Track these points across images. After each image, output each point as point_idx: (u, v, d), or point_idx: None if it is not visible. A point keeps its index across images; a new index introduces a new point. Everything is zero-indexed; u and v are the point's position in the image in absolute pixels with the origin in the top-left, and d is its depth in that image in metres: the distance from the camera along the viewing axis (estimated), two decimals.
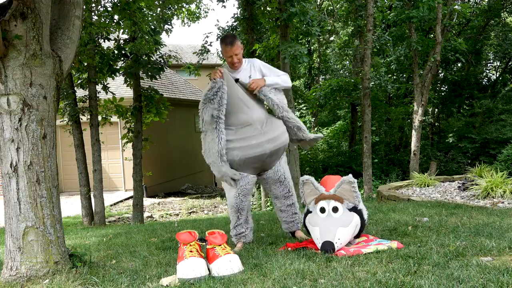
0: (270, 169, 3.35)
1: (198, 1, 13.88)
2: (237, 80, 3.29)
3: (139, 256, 3.19)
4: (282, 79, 3.37)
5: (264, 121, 3.25)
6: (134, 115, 9.30)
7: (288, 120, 3.35)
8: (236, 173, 3.19)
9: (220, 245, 2.64)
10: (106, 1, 8.30)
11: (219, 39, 3.32)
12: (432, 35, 14.38)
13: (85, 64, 8.50)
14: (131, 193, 11.07)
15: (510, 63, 20.13)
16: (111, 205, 11.83)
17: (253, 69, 3.33)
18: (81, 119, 9.02)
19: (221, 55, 14.87)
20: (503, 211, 4.11)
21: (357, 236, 3.07)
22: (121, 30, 8.53)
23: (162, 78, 13.43)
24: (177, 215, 11.24)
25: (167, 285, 2.36)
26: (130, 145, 9.60)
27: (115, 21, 8.12)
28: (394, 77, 16.93)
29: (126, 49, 9.02)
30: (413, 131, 12.44)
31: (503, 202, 4.84)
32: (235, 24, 12.59)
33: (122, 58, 9.19)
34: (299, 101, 19.21)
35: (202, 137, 3.29)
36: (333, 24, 18.87)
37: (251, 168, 3.26)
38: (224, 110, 3.14)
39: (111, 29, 8.41)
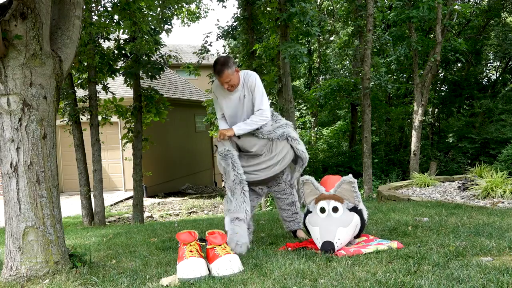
0: (275, 186, 3.47)
1: (198, 1, 13.88)
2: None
3: (139, 256, 3.18)
4: (253, 120, 3.26)
5: (270, 145, 3.31)
6: (134, 115, 9.30)
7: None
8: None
9: (220, 245, 2.64)
10: (106, 1, 8.31)
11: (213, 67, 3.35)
12: (432, 35, 14.38)
13: (85, 64, 8.50)
14: (131, 193, 11.08)
15: (510, 63, 20.13)
16: (111, 205, 11.83)
17: (246, 89, 3.29)
18: (81, 119, 9.02)
19: (221, 55, 14.88)
20: (503, 211, 4.11)
21: (357, 236, 3.07)
22: (121, 30, 8.53)
23: (162, 78, 13.44)
24: (177, 215, 11.24)
25: (167, 285, 2.36)
26: (130, 145, 9.60)
27: (115, 21, 8.11)
28: (394, 77, 16.93)
29: (126, 49, 9.02)
30: (413, 131, 12.44)
31: (503, 202, 4.84)
32: (235, 24, 12.58)
33: (122, 58, 9.19)
34: (299, 101, 19.20)
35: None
36: (333, 24, 18.88)
37: (259, 187, 3.39)
38: (239, 167, 3.20)
39: (111, 29, 8.40)
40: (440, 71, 18.39)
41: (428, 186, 6.63)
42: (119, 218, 10.34)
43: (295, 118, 13.66)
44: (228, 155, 3.16)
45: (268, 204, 12.11)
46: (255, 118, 3.26)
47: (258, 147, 3.28)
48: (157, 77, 9.31)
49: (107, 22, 8.05)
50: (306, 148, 3.50)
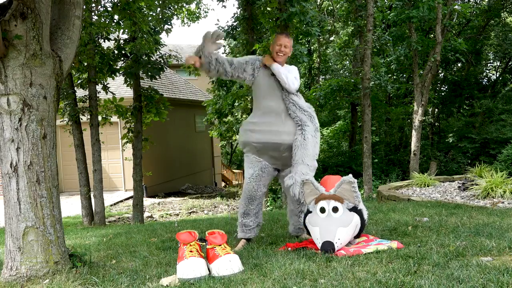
0: (288, 168, 3.36)
1: (198, 1, 13.89)
2: (272, 75, 3.36)
3: (139, 256, 3.18)
4: (289, 78, 3.32)
5: (289, 115, 3.30)
6: (134, 115, 9.30)
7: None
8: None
9: (220, 245, 2.64)
10: (106, 1, 8.31)
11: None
12: (432, 35, 14.38)
13: (85, 64, 8.50)
14: (131, 193, 11.08)
15: (510, 63, 20.13)
16: (111, 205, 11.83)
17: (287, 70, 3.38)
18: (81, 119, 9.01)
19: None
20: (503, 211, 4.11)
21: (357, 236, 3.07)
22: (121, 30, 8.53)
23: (162, 78, 13.44)
24: (177, 215, 11.24)
25: (167, 285, 2.36)
26: (130, 145, 9.59)
27: (115, 21, 8.11)
28: (394, 77, 16.94)
29: (126, 49, 9.01)
30: (413, 131, 12.44)
31: (503, 202, 4.84)
32: (235, 24, 12.59)
33: (122, 58, 9.19)
34: None
35: None
36: (333, 24, 18.88)
37: (269, 156, 3.31)
38: (233, 67, 3.32)
39: (111, 29, 8.40)
40: (440, 71, 18.40)
41: (428, 186, 6.63)
42: (119, 218, 10.34)
43: None
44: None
45: (268, 204, 12.11)
46: (292, 80, 3.32)
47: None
48: (157, 77, 9.31)
49: (107, 22, 8.05)
50: None
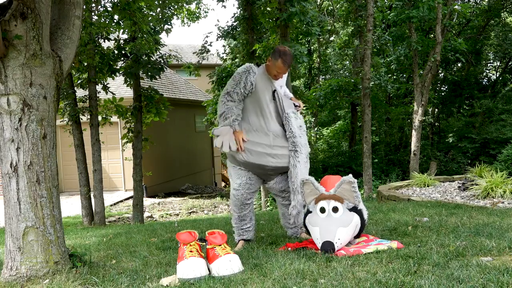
0: (272, 180, 3.42)
1: (198, 1, 13.89)
2: (274, 92, 3.32)
3: (139, 256, 3.18)
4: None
5: (278, 137, 3.29)
6: (134, 115, 9.30)
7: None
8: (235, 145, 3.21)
9: (220, 245, 2.64)
10: (106, 1, 8.31)
11: (278, 53, 3.33)
12: (432, 35, 14.38)
13: (85, 64, 8.50)
14: (131, 193, 11.07)
15: (510, 63, 20.13)
16: (111, 205, 11.83)
17: (283, 80, 3.40)
18: (81, 119, 9.02)
19: (221, 55, 14.89)
20: (503, 211, 4.11)
21: (357, 236, 3.07)
22: (121, 30, 8.53)
23: (162, 78, 13.45)
24: (177, 215, 11.24)
25: (167, 285, 2.36)
26: (130, 145, 9.59)
27: (115, 21, 8.11)
28: (394, 77, 16.93)
29: (126, 49, 9.01)
30: (413, 131, 12.44)
31: (503, 202, 4.84)
32: (235, 24, 12.59)
33: (122, 58, 9.19)
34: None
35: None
36: (333, 24, 18.87)
37: (254, 171, 3.34)
38: (240, 95, 3.22)
39: (111, 29, 8.40)
40: (440, 71, 18.39)
41: (428, 186, 6.63)
42: (119, 218, 10.34)
43: None
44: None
45: (268, 204, 12.11)
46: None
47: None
48: (157, 77, 9.31)
49: (107, 22, 8.05)
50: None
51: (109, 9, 7.91)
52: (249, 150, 3.24)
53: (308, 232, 3.15)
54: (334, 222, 2.88)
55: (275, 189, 3.46)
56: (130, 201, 11.32)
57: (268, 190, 3.62)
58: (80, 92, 9.77)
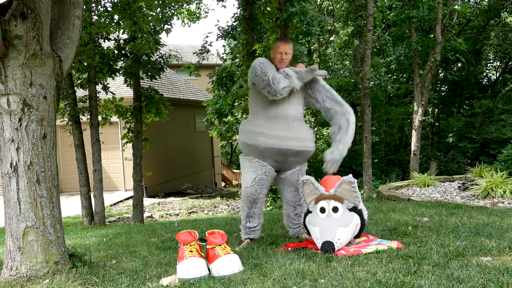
0: (290, 170, 3.35)
1: (198, 1, 13.89)
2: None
3: (139, 256, 3.18)
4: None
5: (297, 120, 3.27)
6: (134, 115, 9.30)
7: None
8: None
9: (220, 245, 2.64)
10: (106, 1, 8.31)
11: (275, 41, 3.46)
12: (432, 35, 14.38)
13: (85, 64, 8.49)
14: (131, 193, 11.07)
15: (510, 63, 20.13)
16: (111, 205, 11.83)
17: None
18: (81, 119, 9.01)
19: (221, 55, 14.90)
20: (503, 211, 4.11)
21: (357, 236, 3.07)
22: (121, 30, 8.52)
23: (162, 78, 13.44)
24: (177, 215, 11.24)
25: (167, 285, 2.36)
26: (130, 145, 9.59)
27: (115, 21, 8.11)
28: (394, 77, 16.94)
29: (126, 49, 9.01)
30: (413, 131, 12.45)
31: (503, 202, 4.84)
32: (235, 24, 12.59)
33: (122, 58, 9.18)
34: None
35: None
36: (333, 24, 18.87)
37: (272, 160, 3.26)
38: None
39: (111, 29, 8.40)
40: (440, 71, 18.40)
41: (428, 186, 6.63)
42: (119, 218, 10.34)
43: None
44: None
45: (268, 204, 12.11)
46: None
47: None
48: (157, 77, 9.31)
49: (107, 22, 8.05)
50: None
51: (109, 9, 7.91)
52: (269, 136, 3.17)
53: (308, 232, 3.15)
54: (334, 222, 2.88)
55: (290, 182, 3.36)
56: (130, 201, 11.32)
57: (279, 186, 3.50)
58: (80, 92, 9.77)
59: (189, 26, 16.56)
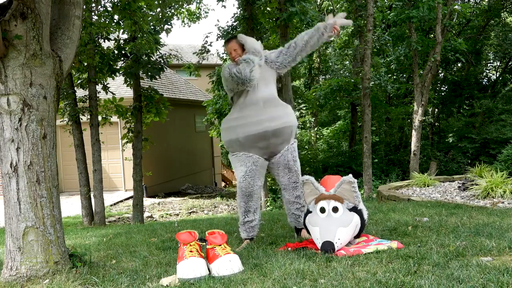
0: (278, 153, 3.33)
1: (198, 1, 13.89)
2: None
3: (139, 256, 3.18)
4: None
5: (269, 101, 3.28)
6: (134, 115, 9.30)
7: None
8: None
9: (220, 245, 2.64)
10: (106, 1, 8.31)
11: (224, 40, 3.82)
12: (432, 35, 14.38)
13: (85, 64, 8.50)
14: (131, 193, 11.08)
15: (510, 63, 20.13)
16: (111, 205, 11.83)
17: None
18: (81, 119, 9.01)
19: (221, 55, 14.90)
20: (503, 211, 4.11)
21: (357, 236, 3.07)
22: (121, 30, 8.53)
23: (162, 78, 13.45)
24: (177, 215, 11.24)
25: (167, 285, 2.36)
26: (130, 145, 9.59)
27: (115, 21, 8.11)
28: (394, 77, 16.94)
29: (126, 49, 9.01)
30: (413, 131, 12.45)
31: (503, 202, 4.84)
32: (235, 24, 12.58)
33: (122, 58, 9.19)
34: (299, 101, 19.20)
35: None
36: None
37: (256, 148, 3.27)
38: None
39: (111, 29, 8.40)
40: (440, 71, 18.40)
41: (428, 186, 6.63)
42: (119, 218, 10.34)
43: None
44: None
45: (268, 204, 12.11)
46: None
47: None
48: (157, 77, 9.31)
49: (107, 22, 8.05)
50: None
51: (109, 9, 7.91)
52: (244, 124, 3.23)
53: (308, 232, 3.15)
54: (334, 222, 2.88)
55: (281, 164, 3.33)
56: (130, 201, 11.32)
57: (273, 174, 3.48)
58: (80, 92, 9.77)
59: (189, 26, 16.58)
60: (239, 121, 3.26)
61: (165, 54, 9.92)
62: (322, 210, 2.97)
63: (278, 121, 3.23)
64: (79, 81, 9.06)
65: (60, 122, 9.21)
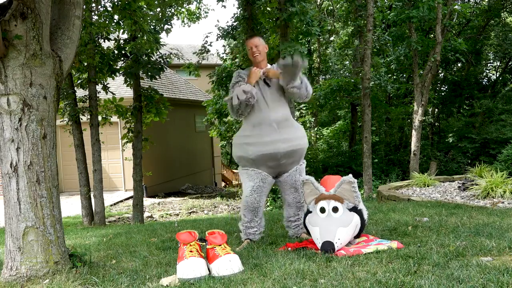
0: (287, 172, 3.37)
1: (198, 1, 13.89)
2: (265, 80, 3.34)
3: (139, 256, 3.18)
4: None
5: (282, 122, 3.29)
6: (134, 115, 9.30)
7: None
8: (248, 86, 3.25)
9: (220, 245, 2.64)
10: (106, 1, 8.31)
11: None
12: (432, 35, 14.38)
13: (85, 64, 8.49)
14: (131, 193, 11.07)
15: (510, 63, 20.13)
16: (111, 205, 11.83)
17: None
18: (81, 119, 9.01)
19: (221, 55, 14.91)
20: (503, 211, 4.11)
21: (357, 236, 3.07)
22: (121, 30, 8.52)
23: (162, 78, 13.44)
24: (177, 215, 11.24)
25: (167, 285, 2.36)
26: (130, 145, 9.59)
27: (115, 21, 8.11)
28: (394, 77, 16.94)
29: (126, 49, 9.01)
30: (413, 131, 12.44)
31: (503, 202, 4.84)
32: (235, 24, 12.58)
33: (122, 58, 9.19)
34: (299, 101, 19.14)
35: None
36: (333, 24, 18.87)
37: (266, 166, 3.30)
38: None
39: (111, 29, 8.40)
40: (440, 71, 18.40)
41: (428, 186, 6.63)
42: (119, 218, 10.34)
43: (295, 118, 13.65)
44: None
45: (268, 204, 12.11)
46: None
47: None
48: (157, 77, 9.31)
49: (107, 22, 8.05)
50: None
51: (109, 9, 7.90)
52: (256, 144, 3.24)
53: (308, 232, 3.15)
54: (334, 222, 2.88)
55: (288, 183, 3.38)
56: (130, 201, 11.32)
57: (280, 189, 3.53)
58: (80, 92, 9.77)
59: (189, 26, 16.58)
60: (250, 139, 3.28)
61: (165, 54, 9.92)
62: (322, 210, 2.97)
63: (291, 142, 3.27)
64: (79, 81, 9.06)
65: (60, 122, 9.21)
